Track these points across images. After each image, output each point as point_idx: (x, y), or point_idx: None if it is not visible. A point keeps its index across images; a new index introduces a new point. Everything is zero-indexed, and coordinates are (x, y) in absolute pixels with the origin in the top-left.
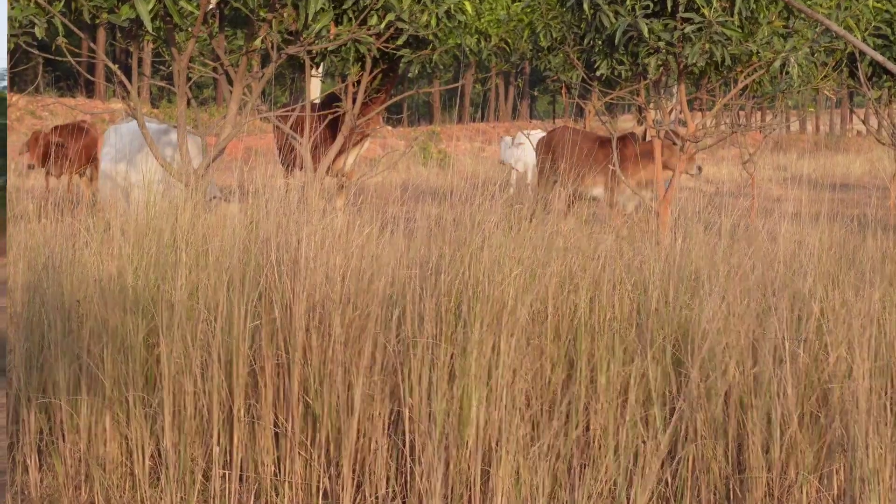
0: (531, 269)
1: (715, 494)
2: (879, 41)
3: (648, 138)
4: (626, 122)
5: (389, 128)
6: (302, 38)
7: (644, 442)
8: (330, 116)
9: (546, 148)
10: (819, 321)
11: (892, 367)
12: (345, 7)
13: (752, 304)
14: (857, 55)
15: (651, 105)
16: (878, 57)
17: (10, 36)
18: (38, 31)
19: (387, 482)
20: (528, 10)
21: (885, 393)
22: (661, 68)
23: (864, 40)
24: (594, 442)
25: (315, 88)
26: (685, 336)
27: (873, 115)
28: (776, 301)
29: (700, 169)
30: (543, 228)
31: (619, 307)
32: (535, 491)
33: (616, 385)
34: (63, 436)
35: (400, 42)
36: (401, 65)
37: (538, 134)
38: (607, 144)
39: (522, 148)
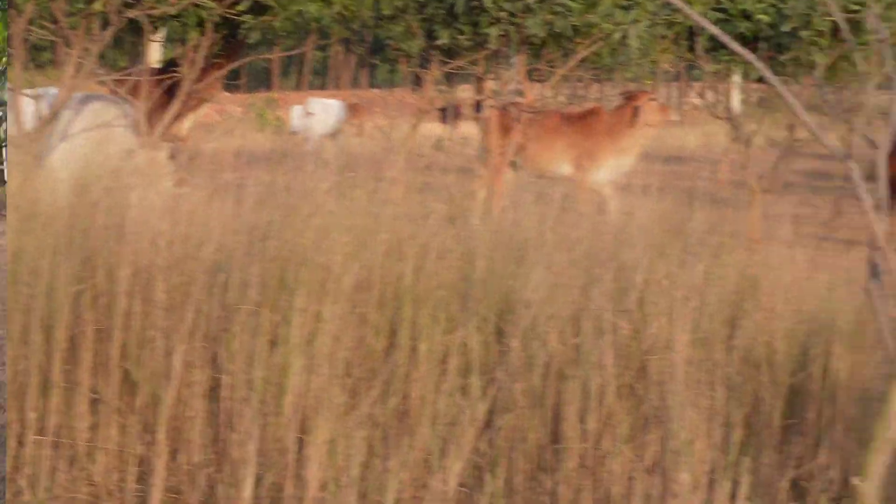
0: (359, 236)
1: (529, 464)
2: (720, 15)
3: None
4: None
5: (227, 94)
6: (143, 2)
7: (462, 411)
8: (168, 81)
9: (498, 127)
10: (642, 292)
11: (711, 340)
12: None
13: (577, 274)
14: (696, 29)
15: (490, 75)
16: (715, 30)
17: None
18: None
19: (203, 450)
20: None
21: (703, 365)
22: (502, 38)
23: (704, 14)
24: (413, 411)
25: (155, 53)
26: (509, 306)
27: (710, 90)
28: (601, 272)
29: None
30: (375, 196)
31: (444, 276)
32: (350, 459)
33: (437, 354)
34: None
35: (241, 8)
36: (241, 31)
37: (333, 103)
38: (575, 119)
39: (313, 117)
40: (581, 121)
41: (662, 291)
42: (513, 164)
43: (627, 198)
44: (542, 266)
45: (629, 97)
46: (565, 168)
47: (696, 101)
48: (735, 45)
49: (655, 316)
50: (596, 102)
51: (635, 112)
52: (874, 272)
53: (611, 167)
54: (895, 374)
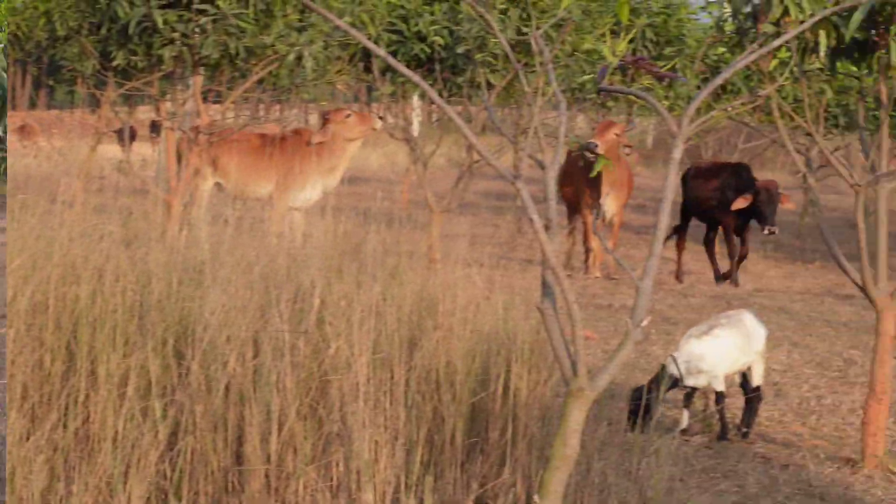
0: (33, 258)
1: (214, 486)
2: (394, 37)
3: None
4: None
5: None
6: None
7: (143, 434)
8: None
9: (177, 149)
10: (320, 313)
11: (390, 360)
12: None
13: (255, 296)
14: (372, 50)
15: (166, 96)
16: (382, 53)
17: None
18: None
19: None
20: None
21: (383, 385)
22: (176, 59)
23: (378, 35)
24: (94, 434)
25: None
26: (187, 328)
27: (388, 111)
28: (279, 293)
29: (381, 119)
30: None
31: (121, 299)
32: (30, 485)
33: (116, 377)
34: None
35: None
36: None
37: None
38: (277, 141)
39: None
40: (284, 142)
41: (340, 312)
42: (217, 185)
43: (307, 219)
44: (220, 288)
45: (326, 117)
46: (269, 189)
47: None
48: (402, 68)
49: (334, 337)
50: (275, 123)
51: (332, 131)
52: (546, 291)
53: (314, 187)
54: (571, 392)
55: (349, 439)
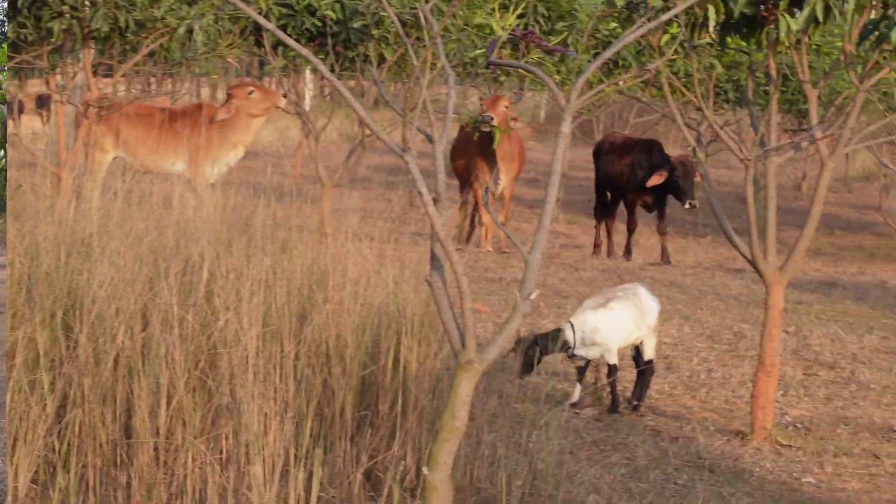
0: None
1: (102, 459)
2: (285, 10)
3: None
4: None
5: None
6: None
7: (30, 407)
8: None
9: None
10: (209, 286)
11: (280, 333)
12: None
13: (143, 269)
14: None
15: (56, 70)
16: (270, 26)
17: None
18: None
19: None
20: None
21: (273, 358)
22: (66, 32)
23: (268, 9)
24: None
25: None
26: (76, 301)
27: (280, 85)
28: (168, 266)
29: (286, 97)
30: None
31: (9, 271)
32: None
33: (3, 349)
34: None
35: None
36: None
37: None
38: (181, 115)
39: None
40: (187, 117)
41: (230, 285)
42: (120, 160)
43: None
44: (108, 261)
45: (230, 93)
46: (175, 164)
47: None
48: (291, 42)
49: (223, 310)
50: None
51: (236, 107)
52: (435, 264)
53: (220, 162)
54: (460, 365)
55: (238, 412)
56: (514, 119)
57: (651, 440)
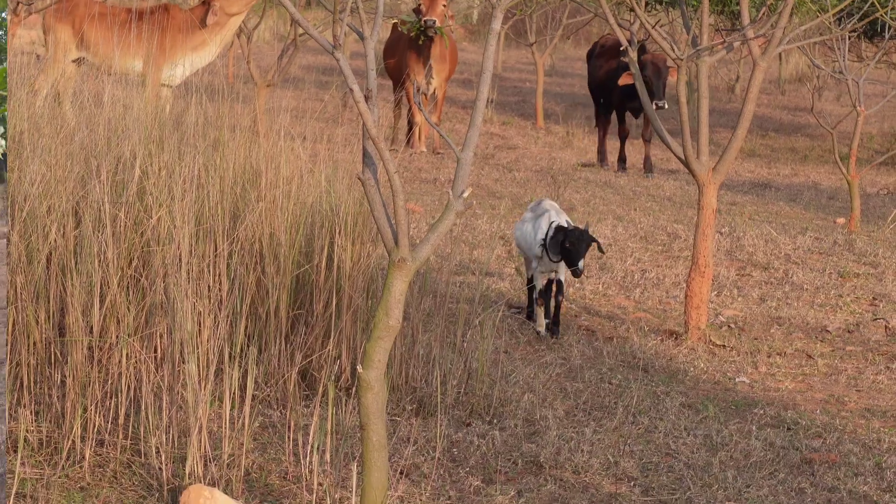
0: None
1: (36, 358)
2: None
3: None
4: None
5: None
6: None
7: None
8: None
9: (62, 18)
10: (142, 184)
11: (213, 231)
12: None
13: (75, 167)
14: None
15: None
16: None
17: None
18: None
19: None
20: None
21: (206, 257)
22: None
23: None
24: None
25: None
26: (8, 199)
27: None
28: (98, 164)
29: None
30: None
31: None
32: None
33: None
34: None
35: None
36: None
37: None
38: (146, 16)
39: None
40: (152, 17)
41: (162, 183)
42: (77, 61)
43: (125, 91)
44: (39, 159)
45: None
46: (137, 65)
47: None
48: None
49: (156, 208)
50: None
51: (208, 9)
52: (367, 162)
53: (186, 65)
54: (394, 263)
55: (172, 310)
56: (451, 17)
57: (585, 340)
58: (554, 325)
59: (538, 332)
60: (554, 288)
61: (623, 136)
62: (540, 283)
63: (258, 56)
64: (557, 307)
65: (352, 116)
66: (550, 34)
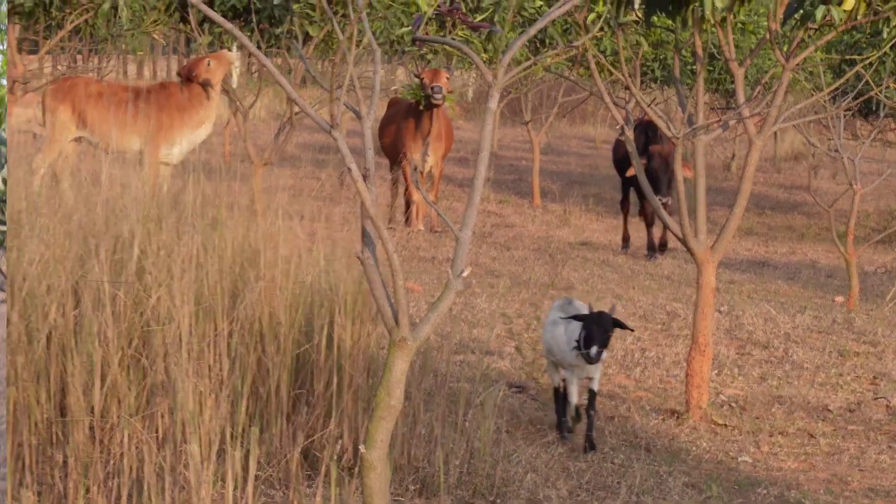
0: None
1: (38, 438)
2: None
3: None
4: None
5: None
6: None
7: None
8: None
9: (63, 99)
10: (140, 264)
11: (213, 311)
12: None
13: (73, 246)
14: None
15: None
16: (196, 2)
17: None
18: None
19: None
20: None
21: (206, 336)
22: None
23: None
24: None
25: None
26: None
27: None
28: (98, 243)
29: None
30: None
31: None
32: None
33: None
34: None
35: None
36: None
37: None
38: (145, 95)
39: None
40: (152, 96)
41: (161, 262)
42: (77, 140)
43: (123, 170)
44: (38, 238)
45: (189, 72)
46: (136, 143)
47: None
48: (218, 17)
49: (155, 287)
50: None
51: (203, 82)
52: (366, 241)
53: (183, 142)
54: (394, 342)
55: (174, 390)
56: (450, 92)
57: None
58: (589, 444)
59: (563, 437)
60: (587, 398)
61: (648, 221)
62: (575, 394)
63: (254, 134)
64: (591, 423)
65: (349, 195)
66: (546, 112)
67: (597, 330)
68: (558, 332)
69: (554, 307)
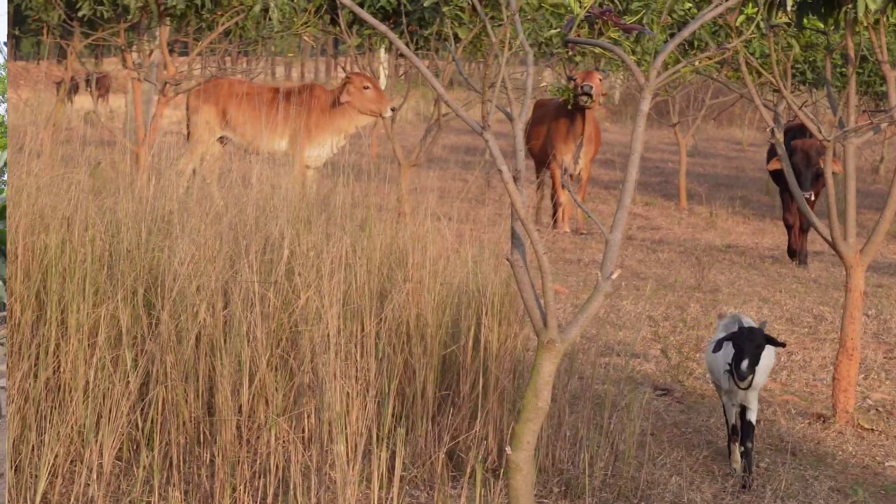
0: None
1: (185, 437)
2: None
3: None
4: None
5: None
6: None
7: (114, 384)
8: None
9: (207, 99)
10: (290, 264)
11: (360, 312)
12: None
13: (224, 246)
14: (338, 2)
15: (133, 47)
16: (349, 3)
17: None
18: None
19: None
20: None
21: (354, 337)
22: (142, 10)
23: None
24: (64, 384)
25: None
26: (157, 278)
27: (355, 64)
28: (248, 244)
29: (393, 109)
30: (15, 168)
31: (90, 248)
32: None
33: (86, 327)
34: None
35: None
36: None
37: None
38: (291, 96)
39: None
40: (298, 97)
41: (310, 263)
42: (221, 140)
43: (273, 170)
44: (189, 238)
45: (349, 77)
46: (282, 144)
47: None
48: (370, 18)
49: (304, 288)
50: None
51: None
52: (515, 243)
53: (324, 145)
54: (542, 344)
55: (321, 391)
56: (604, 95)
57: None
58: (741, 484)
59: (733, 469)
60: (740, 430)
61: (791, 225)
62: (732, 416)
63: (402, 136)
64: (748, 460)
65: (495, 196)
66: (693, 114)
67: (747, 346)
68: (718, 355)
69: (720, 326)
